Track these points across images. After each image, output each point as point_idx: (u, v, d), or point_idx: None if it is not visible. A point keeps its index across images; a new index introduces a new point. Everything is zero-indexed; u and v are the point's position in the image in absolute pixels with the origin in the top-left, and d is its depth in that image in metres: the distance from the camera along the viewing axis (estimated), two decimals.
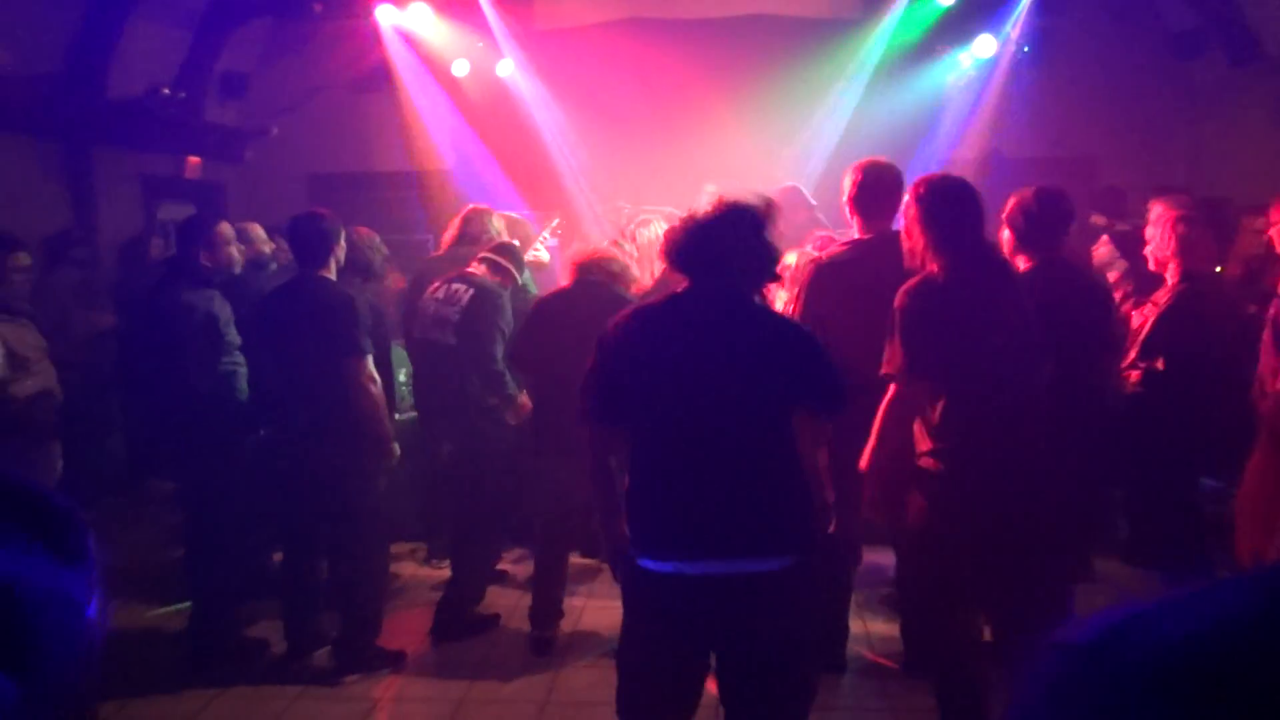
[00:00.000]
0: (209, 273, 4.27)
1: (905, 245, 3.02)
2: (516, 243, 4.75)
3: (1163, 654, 0.46)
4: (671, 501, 2.43)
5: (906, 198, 3.08)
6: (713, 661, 2.55)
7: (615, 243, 4.77)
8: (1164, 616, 0.49)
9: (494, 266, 4.42)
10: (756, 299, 2.59)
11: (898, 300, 2.89)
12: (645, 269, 4.63)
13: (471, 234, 4.93)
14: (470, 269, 4.43)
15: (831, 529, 2.88)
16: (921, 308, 2.85)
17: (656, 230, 5.34)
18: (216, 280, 4.28)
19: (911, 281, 2.91)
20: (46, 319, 4.55)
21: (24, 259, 4.35)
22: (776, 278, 2.67)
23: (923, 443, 2.94)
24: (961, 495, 2.86)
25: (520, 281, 4.60)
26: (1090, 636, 0.50)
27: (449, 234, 5.05)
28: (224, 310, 4.14)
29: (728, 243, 2.47)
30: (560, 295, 4.20)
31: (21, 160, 6.64)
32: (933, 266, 2.89)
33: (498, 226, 4.99)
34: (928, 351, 2.83)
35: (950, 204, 2.92)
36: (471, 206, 5.13)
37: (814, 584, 2.54)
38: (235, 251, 4.54)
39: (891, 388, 2.92)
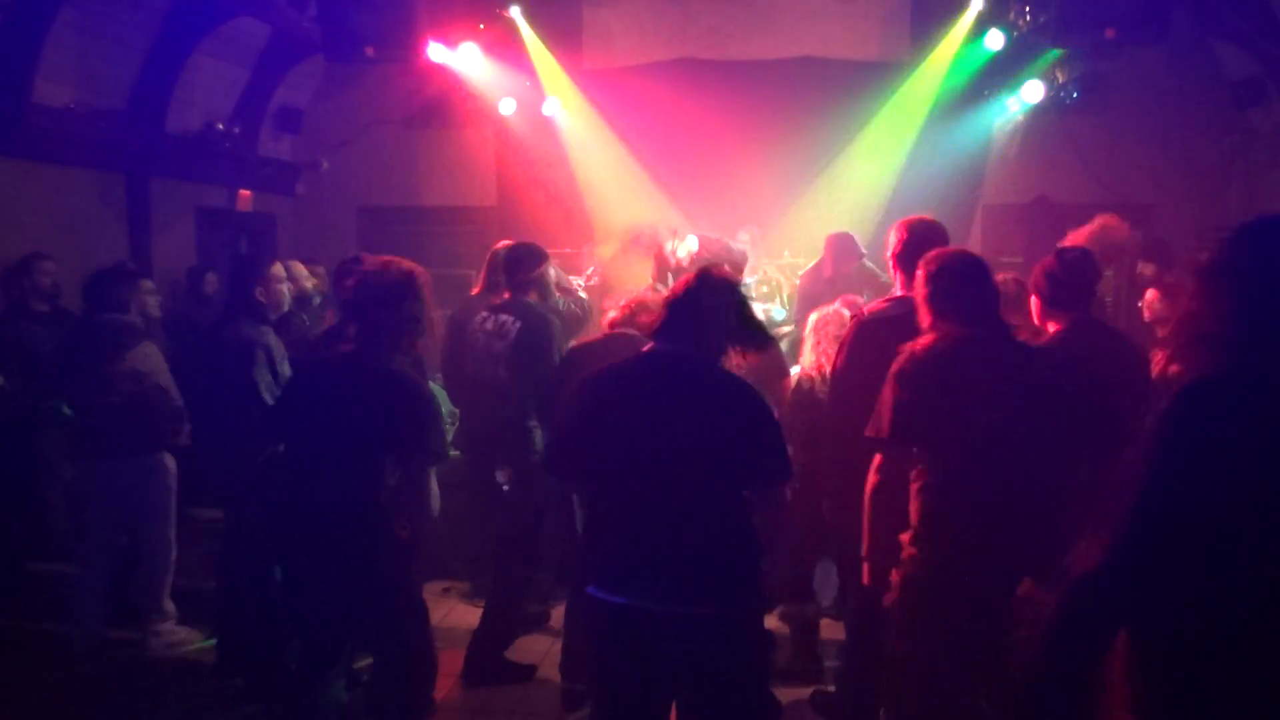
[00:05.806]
0: (264, 309, 4.41)
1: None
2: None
3: None
4: (621, 547, 2.59)
5: (918, 273, 3.04)
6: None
7: (653, 287, 4.74)
8: None
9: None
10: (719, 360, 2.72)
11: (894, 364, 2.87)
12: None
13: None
14: (514, 296, 4.43)
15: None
16: (917, 371, 2.80)
17: (691, 246, 5.31)
18: (271, 317, 4.45)
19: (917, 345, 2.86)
20: None
21: (147, 284, 5.07)
22: (763, 343, 2.82)
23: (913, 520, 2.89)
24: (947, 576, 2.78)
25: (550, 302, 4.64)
26: None
27: (483, 271, 5.05)
28: (278, 346, 4.29)
29: (702, 313, 2.65)
30: (590, 348, 4.15)
31: (84, 192, 6.83)
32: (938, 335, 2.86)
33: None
34: (915, 416, 2.79)
35: (963, 280, 2.90)
36: (503, 243, 5.10)
37: (755, 629, 2.69)
38: (286, 289, 4.70)
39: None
